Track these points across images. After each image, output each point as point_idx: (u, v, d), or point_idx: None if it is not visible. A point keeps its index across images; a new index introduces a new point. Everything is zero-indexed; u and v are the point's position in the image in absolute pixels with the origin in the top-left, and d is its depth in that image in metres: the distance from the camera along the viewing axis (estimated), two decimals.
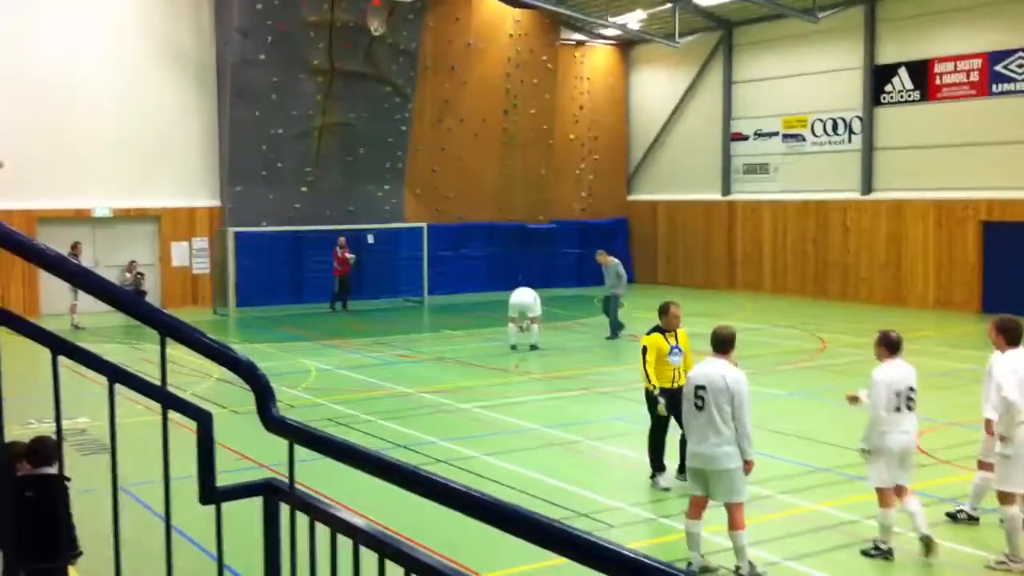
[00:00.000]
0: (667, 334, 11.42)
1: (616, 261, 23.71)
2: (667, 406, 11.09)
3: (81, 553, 6.63)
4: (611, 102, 37.90)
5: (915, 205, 28.90)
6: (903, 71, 29.25)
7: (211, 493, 2.94)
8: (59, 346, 2.85)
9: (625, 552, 2.03)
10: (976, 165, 27.30)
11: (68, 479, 6.14)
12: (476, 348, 22.52)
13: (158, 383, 2.94)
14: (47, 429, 8.49)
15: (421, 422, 15.03)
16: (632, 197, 38.33)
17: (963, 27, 27.74)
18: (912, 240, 29.02)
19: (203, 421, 2.94)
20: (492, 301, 29.38)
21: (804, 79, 31.96)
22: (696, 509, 8.83)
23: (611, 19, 33.83)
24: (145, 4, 28.79)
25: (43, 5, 27.28)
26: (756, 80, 33.64)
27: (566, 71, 36.51)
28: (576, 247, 35.80)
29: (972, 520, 9.92)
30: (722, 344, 8.93)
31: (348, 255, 29.58)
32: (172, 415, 2.94)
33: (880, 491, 9.15)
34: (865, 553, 9.19)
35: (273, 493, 3.06)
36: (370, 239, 31.75)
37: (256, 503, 3.08)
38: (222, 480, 2.98)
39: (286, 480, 3.04)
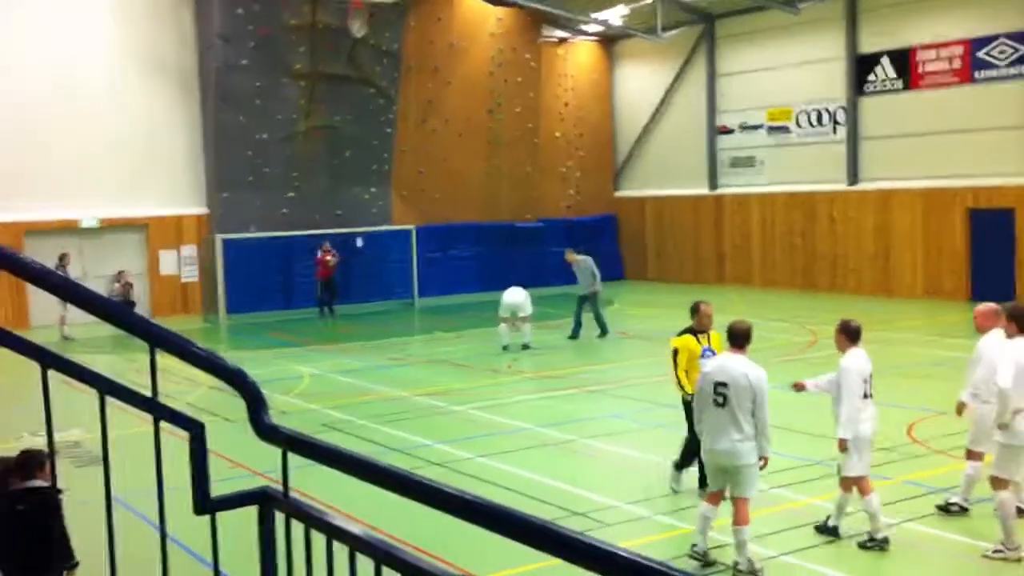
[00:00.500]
0: (699, 335, 10.81)
1: (586, 258, 23.42)
2: None
3: (78, 563, 6.61)
4: (596, 98, 37.92)
5: (901, 194, 28.97)
6: (885, 60, 29.33)
7: (205, 503, 2.93)
8: (48, 360, 2.84)
9: (620, 552, 2.03)
10: (961, 153, 27.38)
11: (61, 491, 6.12)
12: (468, 349, 22.52)
13: (149, 393, 2.93)
14: (40, 443, 8.46)
15: (415, 425, 15.03)
16: (619, 193, 38.36)
17: (944, 14, 27.82)
18: (899, 230, 29.10)
19: (195, 431, 2.93)
20: (482, 301, 29.38)
21: (787, 71, 32.03)
22: (715, 500, 8.95)
23: (593, 15, 33.86)
24: (126, 12, 28.69)
25: (24, 15, 27.18)
26: (740, 73, 33.69)
27: (550, 69, 36.51)
28: (564, 245, 35.74)
29: (963, 511, 9.94)
30: (740, 338, 8.89)
31: (328, 257, 29.49)
32: (165, 424, 2.93)
33: (860, 479, 9.25)
34: (862, 545, 9.22)
35: (268, 501, 3.05)
36: (358, 242, 31.71)
37: (251, 511, 3.08)
38: (217, 489, 2.97)
39: (281, 487, 3.03)
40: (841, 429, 9.19)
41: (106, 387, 2.93)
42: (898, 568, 9.18)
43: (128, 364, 19.64)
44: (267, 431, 2.91)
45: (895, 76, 29.14)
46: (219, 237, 28.87)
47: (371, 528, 2.92)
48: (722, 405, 8.64)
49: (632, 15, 34.11)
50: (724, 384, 8.64)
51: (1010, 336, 9.27)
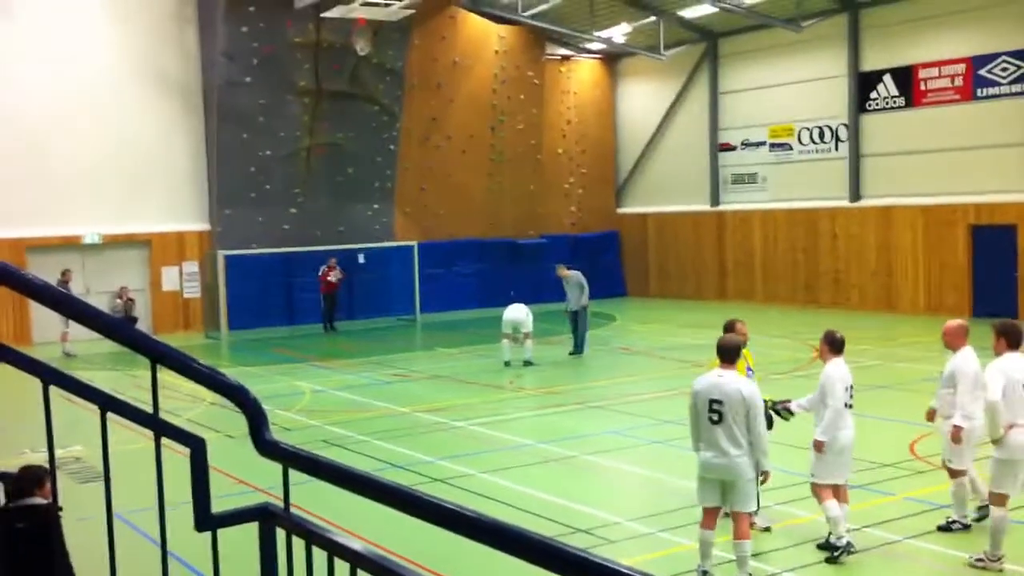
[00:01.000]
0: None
1: (577, 273, 23.30)
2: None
3: None
4: (598, 116, 38.00)
5: (903, 211, 28.99)
6: (888, 78, 29.39)
7: (206, 519, 2.93)
8: (50, 376, 2.85)
9: (623, 569, 2.02)
10: (963, 170, 27.41)
11: (60, 508, 6.11)
12: (470, 365, 22.50)
13: (151, 410, 2.93)
14: (41, 459, 8.45)
15: (417, 441, 15.00)
16: (622, 210, 38.40)
17: (946, 32, 27.89)
18: (901, 246, 29.11)
19: (196, 447, 2.93)
20: (484, 318, 29.39)
21: (789, 88, 32.09)
22: (711, 519, 8.89)
23: (596, 33, 33.96)
24: (130, 29, 28.79)
25: (28, 31, 27.28)
26: (742, 90, 33.76)
27: (552, 86, 36.61)
28: (567, 261, 35.77)
29: (965, 528, 9.93)
30: (729, 354, 8.92)
31: (331, 276, 29.54)
32: (167, 440, 2.93)
33: (822, 486, 9.37)
34: (829, 559, 9.23)
35: (269, 518, 3.04)
36: (361, 259, 31.74)
37: (253, 528, 3.07)
38: (218, 505, 2.97)
39: (282, 504, 3.03)
40: (820, 431, 9.35)
41: (107, 403, 2.93)
42: None
43: (130, 380, 19.64)
44: (268, 447, 2.91)
45: (897, 94, 29.20)
46: (221, 253, 28.91)
47: (372, 544, 2.92)
48: (718, 422, 8.67)
49: (635, 33, 34.21)
50: (719, 401, 8.66)
51: (998, 352, 9.35)
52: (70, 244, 28.27)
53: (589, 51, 37.47)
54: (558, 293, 24.52)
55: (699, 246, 35.30)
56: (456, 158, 33.76)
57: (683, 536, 9.87)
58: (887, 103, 29.51)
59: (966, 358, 9.67)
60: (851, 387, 9.50)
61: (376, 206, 32.32)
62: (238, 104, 29.41)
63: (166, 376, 2.92)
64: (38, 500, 6.40)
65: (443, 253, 33.51)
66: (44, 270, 24.86)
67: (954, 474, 9.85)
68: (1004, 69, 26.61)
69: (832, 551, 9.26)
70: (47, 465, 3.39)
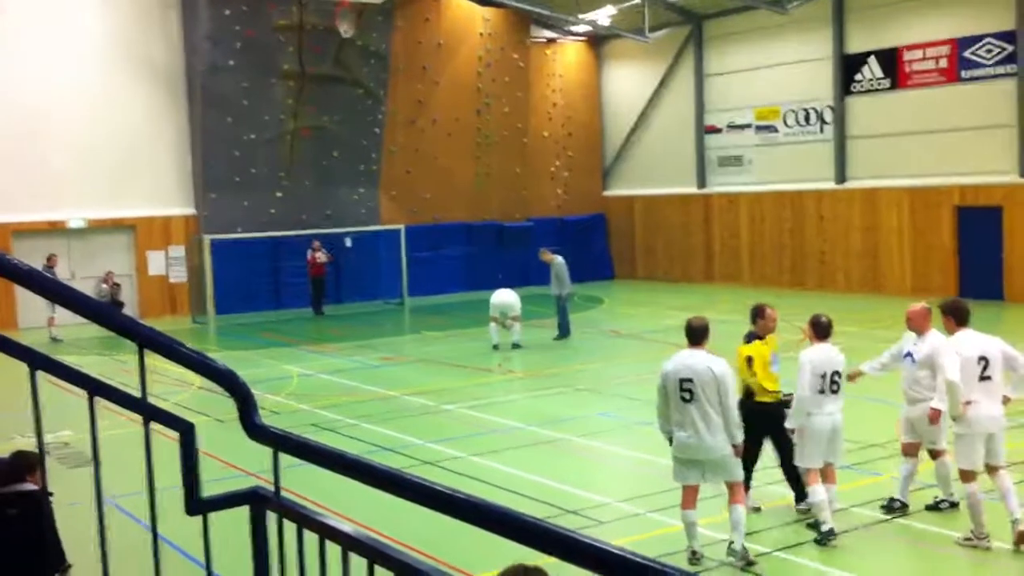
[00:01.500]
0: (767, 338, 10.17)
1: (559, 260, 23.11)
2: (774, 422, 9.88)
3: (70, 566, 6.59)
4: (584, 98, 37.93)
5: (889, 193, 29.06)
6: (872, 60, 29.41)
7: (196, 503, 2.93)
8: (37, 361, 2.84)
9: (612, 549, 2.03)
10: (948, 151, 27.48)
11: (51, 494, 6.10)
12: (459, 348, 22.51)
13: (139, 394, 2.93)
14: (30, 444, 8.44)
15: (406, 424, 15.02)
16: (608, 193, 38.38)
17: (931, 14, 27.90)
18: (887, 228, 29.19)
19: (185, 432, 2.93)
20: (472, 301, 29.39)
21: (775, 70, 32.09)
22: (691, 498, 9.02)
23: (581, 16, 33.86)
24: (113, 14, 28.60)
25: (10, 18, 27.06)
26: (727, 73, 33.73)
27: (538, 69, 36.52)
28: (553, 245, 35.79)
29: (954, 506, 10.02)
30: (698, 335, 9.07)
31: (319, 256, 29.49)
32: (156, 425, 2.92)
33: (806, 472, 9.47)
34: (817, 540, 9.29)
35: (259, 501, 3.05)
36: (347, 243, 31.68)
37: (244, 511, 3.07)
38: (209, 489, 2.97)
39: (272, 487, 3.03)
40: (791, 420, 9.46)
41: (95, 388, 2.93)
42: (889, 562, 9.24)
43: (117, 365, 19.58)
44: (257, 431, 2.91)
45: (882, 76, 29.22)
46: (207, 238, 28.82)
47: (363, 527, 2.92)
48: (689, 401, 8.81)
49: (620, 16, 34.12)
50: (690, 380, 8.79)
51: (950, 332, 9.53)
52: (55, 229, 28.14)
53: (574, 34, 37.37)
54: (544, 276, 24.55)
55: (686, 228, 35.32)
56: (442, 141, 33.68)
57: (672, 517, 9.92)
58: (872, 85, 29.54)
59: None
60: (836, 372, 9.46)
61: (362, 190, 32.25)
62: (222, 88, 29.29)
63: (154, 361, 2.91)
64: (29, 486, 6.39)
65: (430, 236, 33.46)
66: (29, 255, 24.73)
67: (936, 454, 9.93)
68: (989, 51, 26.65)
69: (819, 533, 9.32)
70: (36, 450, 3.38)
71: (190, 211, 30.10)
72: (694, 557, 8.92)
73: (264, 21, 29.28)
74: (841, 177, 30.41)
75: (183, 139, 29.89)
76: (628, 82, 37.39)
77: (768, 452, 10.19)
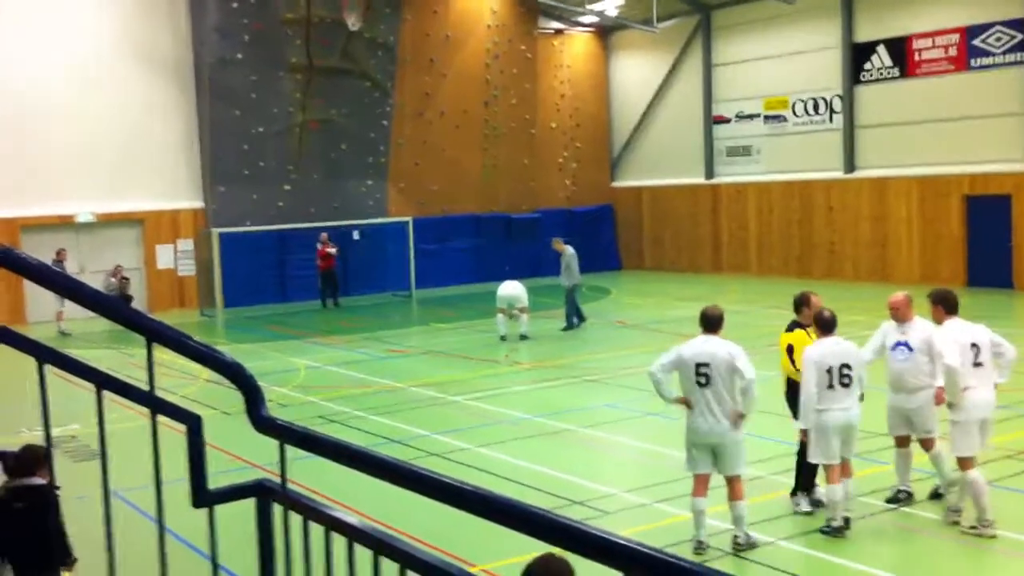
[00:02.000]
0: (808, 329, 9.83)
1: (570, 251, 23.12)
2: None
3: (77, 559, 6.63)
4: (592, 89, 37.86)
5: (898, 182, 28.97)
6: (881, 48, 29.30)
7: (203, 496, 2.94)
8: (45, 355, 2.85)
9: (619, 540, 2.04)
10: (957, 140, 27.38)
11: (58, 488, 6.13)
12: (466, 340, 22.52)
13: (147, 388, 2.94)
14: (38, 438, 8.49)
15: (413, 416, 15.04)
16: (616, 183, 38.33)
17: (940, 2, 27.79)
18: (896, 217, 29.11)
19: (192, 424, 2.94)
20: (479, 293, 29.39)
21: (783, 60, 31.99)
22: (703, 486, 9.04)
23: (589, 6, 33.80)
24: (121, 7, 28.61)
25: (17, 9, 27.09)
26: (736, 62, 33.64)
27: (546, 60, 36.46)
28: (562, 236, 35.78)
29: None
30: (713, 323, 9.16)
31: (329, 249, 29.50)
32: (163, 418, 2.93)
33: (825, 468, 9.38)
34: (823, 529, 9.28)
35: (266, 494, 3.06)
36: (355, 235, 31.71)
37: (250, 503, 3.08)
38: (215, 482, 2.98)
39: (279, 480, 3.04)
40: (800, 420, 9.35)
41: (103, 381, 2.94)
42: (891, 551, 9.23)
43: (125, 359, 19.63)
44: (264, 424, 2.92)
45: (891, 64, 29.12)
46: (215, 231, 28.87)
47: (369, 519, 2.93)
48: (706, 385, 8.88)
49: (628, 6, 34.04)
50: (707, 364, 8.87)
51: (939, 321, 9.55)
52: (64, 223, 28.18)
53: (582, 24, 37.28)
54: (553, 268, 24.54)
55: (694, 219, 35.26)
56: (450, 133, 33.67)
57: (679, 507, 9.93)
58: (881, 74, 29.43)
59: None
60: (845, 365, 9.21)
61: (370, 182, 32.27)
62: (230, 81, 29.31)
63: (162, 354, 2.92)
64: (37, 480, 6.42)
65: (438, 228, 33.47)
66: (38, 250, 24.77)
67: (928, 445, 9.90)
68: (998, 39, 26.54)
69: (827, 524, 9.30)
70: (44, 444, 3.40)
71: (198, 204, 30.14)
72: (700, 547, 8.94)
73: (272, 14, 29.30)
74: (850, 167, 30.33)
75: (191, 132, 29.92)
76: (636, 73, 37.31)
77: (790, 436, 10.13)
